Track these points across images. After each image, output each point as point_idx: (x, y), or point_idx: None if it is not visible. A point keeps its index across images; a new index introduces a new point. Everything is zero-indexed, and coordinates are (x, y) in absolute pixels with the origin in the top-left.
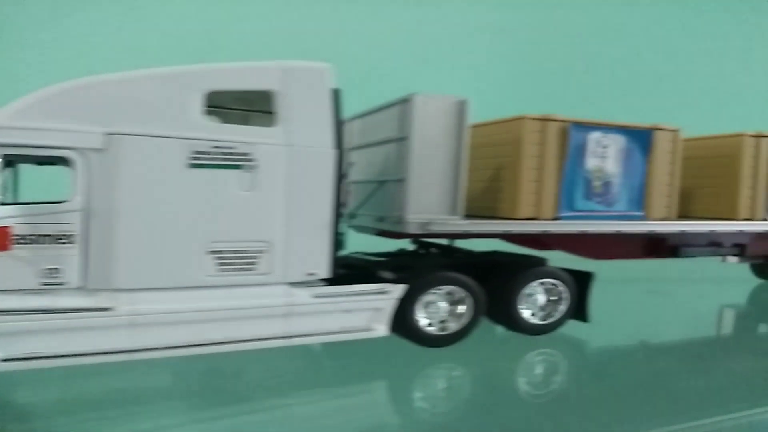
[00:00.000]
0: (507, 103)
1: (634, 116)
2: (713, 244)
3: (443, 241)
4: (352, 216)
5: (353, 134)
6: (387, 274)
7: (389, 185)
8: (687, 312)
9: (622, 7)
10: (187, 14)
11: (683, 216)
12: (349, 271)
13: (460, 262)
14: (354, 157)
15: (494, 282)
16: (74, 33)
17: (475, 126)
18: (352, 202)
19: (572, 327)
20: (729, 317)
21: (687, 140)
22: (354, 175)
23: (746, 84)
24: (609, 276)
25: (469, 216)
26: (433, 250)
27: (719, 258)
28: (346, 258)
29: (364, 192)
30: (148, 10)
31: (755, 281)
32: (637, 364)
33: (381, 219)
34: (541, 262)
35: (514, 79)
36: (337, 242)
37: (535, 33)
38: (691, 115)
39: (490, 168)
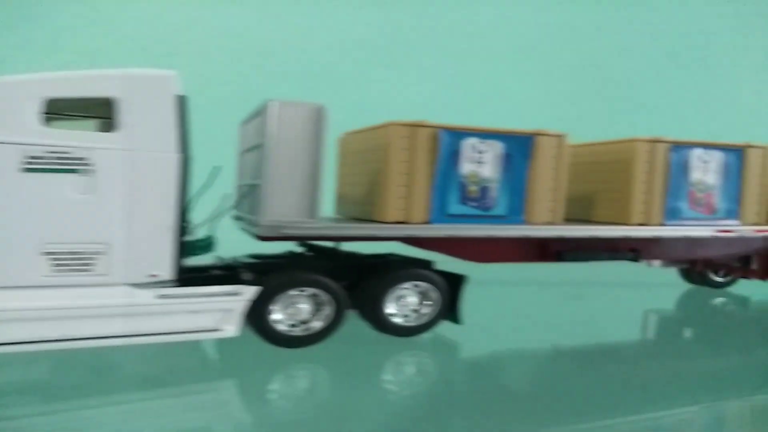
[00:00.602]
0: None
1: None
2: (604, 249)
3: (330, 244)
4: (238, 219)
5: (244, 138)
6: (245, 276)
7: (256, 189)
8: (601, 316)
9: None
10: (144, 17)
11: (583, 221)
12: (222, 272)
13: (334, 264)
14: (242, 161)
15: (366, 284)
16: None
17: (355, 132)
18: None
19: (466, 328)
20: (642, 321)
21: (585, 146)
22: (240, 179)
23: None
24: (533, 278)
25: (357, 220)
26: (307, 252)
27: (645, 262)
28: (223, 260)
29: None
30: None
31: (685, 286)
32: (526, 368)
33: (249, 223)
34: (423, 264)
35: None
36: (185, 244)
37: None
38: None
39: (367, 173)
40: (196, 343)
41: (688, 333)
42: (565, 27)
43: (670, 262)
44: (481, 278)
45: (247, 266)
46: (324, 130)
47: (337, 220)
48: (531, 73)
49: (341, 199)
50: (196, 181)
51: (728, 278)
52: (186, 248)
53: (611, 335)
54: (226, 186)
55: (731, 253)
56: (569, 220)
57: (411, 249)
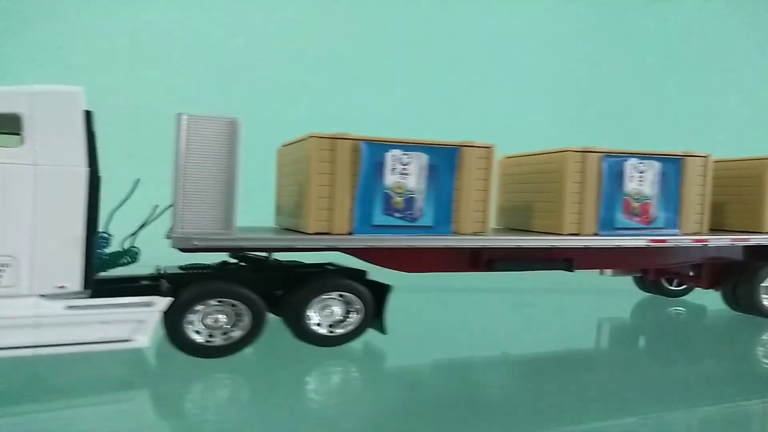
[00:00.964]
0: None
1: None
2: (536, 259)
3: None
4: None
5: None
6: (163, 287)
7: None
8: (552, 324)
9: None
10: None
11: (522, 230)
12: (149, 282)
13: (261, 274)
14: None
15: (290, 293)
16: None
17: (286, 144)
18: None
19: (404, 337)
20: (593, 329)
21: (522, 156)
22: None
23: None
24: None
25: (289, 231)
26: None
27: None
28: (159, 270)
29: None
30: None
31: (640, 294)
32: (467, 377)
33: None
34: (353, 274)
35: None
36: (107, 256)
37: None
38: None
39: (295, 185)
40: (118, 353)
41: (639, 341)
42: (545, 37)
43: (621, 270)
44: (423, 285)
45: (170, 277)
46: (237, 142)
47: (267, 231)
48: (518, 88)
49: (278, 210)
50: None
51: (683, 287)
52: (108, 259)
53: (562, 343)
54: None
55: (676, 263)
56: (511, 229)
57: (354, 260)
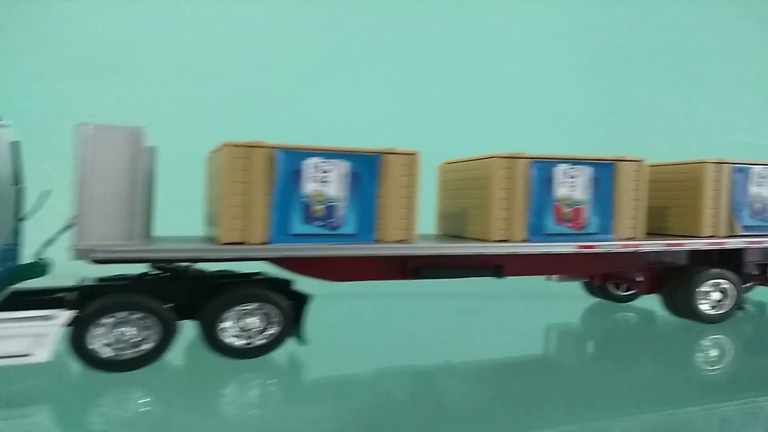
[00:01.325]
0: None
1: None
2: (465, 266)
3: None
4: None
5: None
6: (67, 299)
7: None
8: (499, 330)
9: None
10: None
11: (458, 237)
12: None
13: (177, 285)
14: None
15: (206, 304)
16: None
17: (211, 152)
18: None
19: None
20: (538, 335)
21: (457, 162)
22: None
23: None
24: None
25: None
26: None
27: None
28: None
29: None
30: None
31: (589, 300)
32: (405, 386)
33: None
34: (276, 284)
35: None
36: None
37: None
38: None
39: (216, 194)
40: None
41: (584, 346)
42: (536, 40)
43: (566, 276)
44: (366, 292)
45: (81, 289)
46: (141, 153)
47: (185, 241)
48: (506, 92)
49: (206, 220)
50: None
51: (631, 292)
52: (13, 273)
53: (506, 350)
54: None
55: (613, 269)
56: (450, 236)
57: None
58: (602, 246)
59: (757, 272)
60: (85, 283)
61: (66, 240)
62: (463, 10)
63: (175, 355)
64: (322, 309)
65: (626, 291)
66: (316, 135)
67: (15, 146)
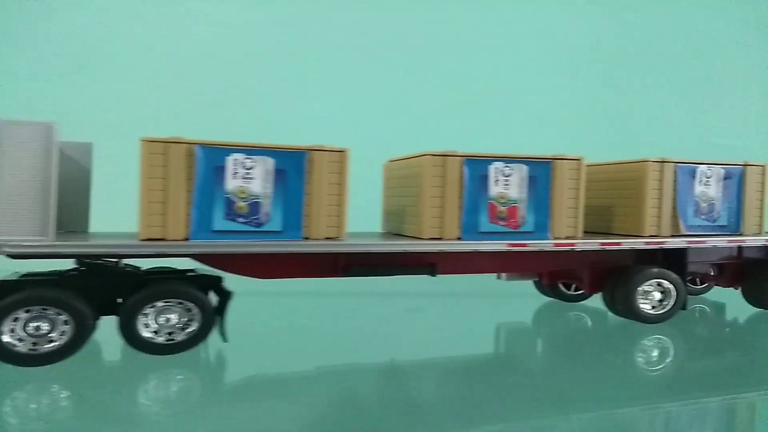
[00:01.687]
0: None
1: None
2: (397, 263)
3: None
4: None
5: None
6: None
7: None
8: (448, 329)
9: None
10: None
11: (399, 235)
12: None
13: (98, 281)
14: None
15: (127, 301)
16: None
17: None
18: None
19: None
20: (476, 334)
21: (397, 161)
22: None
23: None
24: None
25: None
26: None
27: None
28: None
29: None
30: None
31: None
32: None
33: None
34: (202, 281)
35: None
36: None
37: None
38: None
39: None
40: None
41: (532, 345)
42: (492, 40)
43: (516, 274)
44: (306, 290)
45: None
46: (53, 148)
47: (110, 238)
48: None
49: None
50: None
51: (580, 292)
52: None
53: (451, 349)
54: None
55: (553, 267)
56: (393, 234)
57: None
58: (534, 244)
59: (713, 272)
60: (6, 278)
61: None
62: (443, 10)
63: (97, 350)
64: (265, 307)
65: (575, 291)
66: (284, 134)
67: None
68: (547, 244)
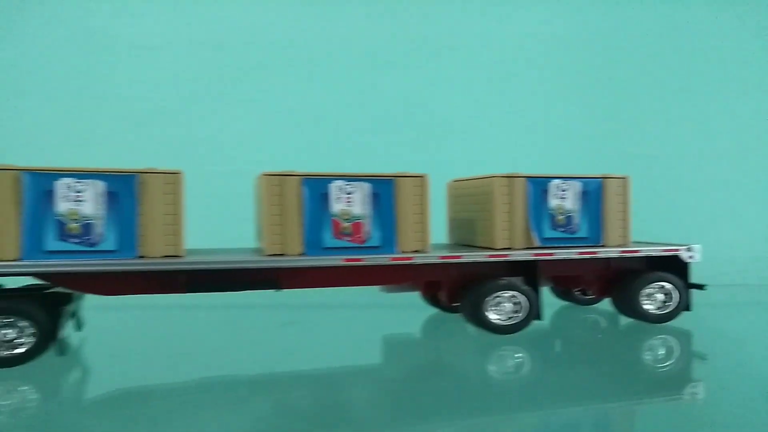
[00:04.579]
0: None
1: None
2: (240, 279)
3: None
4: None
5: None
6: None
7: None
8: (325, 341)
9: None
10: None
11: (252, 251)
12: None
13: None
14: None
15: None
16: None
17: None
18: None
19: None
20: (361, 345)
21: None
22: None
23: None
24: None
25: None
26: None
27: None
28: None
29: None
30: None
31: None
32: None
33: None
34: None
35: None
36: None
37: None
38: None
39: None
40: None
41: (420, 355)
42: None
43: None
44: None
45: None
46: None
47: None
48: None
49: None
50: None
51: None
52: None
53: (332, 360)
54: None
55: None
56: (252, 250)
57: None
58: (370, 259)
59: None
60: None
61: None
62: (426, 19)
63: None
64: (128, 321)
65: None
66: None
67: None
68: (383, 258)
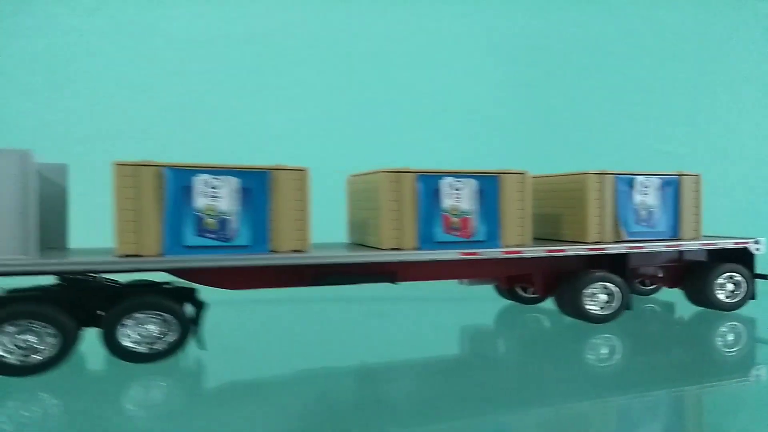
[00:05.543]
0: None
1: None
2: (360, 273)
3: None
4: None
5: None
6: None
7: None
8: (418, 332)
9: None
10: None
11: (362, 245)
12: None
13: (78, 295)
14: None
15: (108, 313)
16: None
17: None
18: None
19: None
20: (454, 336)
21: (362, 175)
22: None
23: None
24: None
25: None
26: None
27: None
28: None
29: None
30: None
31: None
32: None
33: None
34: (178, 292)
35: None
36: None
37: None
38: None
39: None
40: None
41: (495, 345)
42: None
43: (477, 280)
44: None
45: None
46: (30, 173)
47: (87, 254)
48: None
49: None
50: None
51: (535, 295)
52: None
53: (419, 351)
54: None
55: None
56: (357, 244)
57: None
58: (485, 253)
59: (660, 274)
60: None
61: None
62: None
63: (80, 360)
64: (230, 316)
65: (531, 294)
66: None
67: None
68: (496, 252)
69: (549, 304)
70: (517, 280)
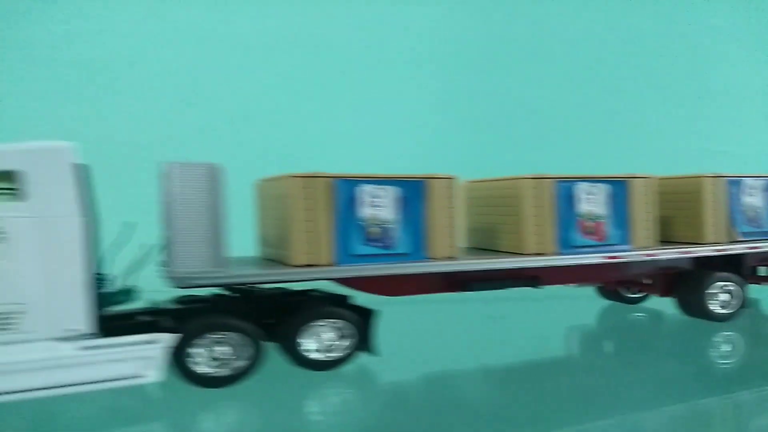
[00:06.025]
0: None
1: None
2: (504, 278)
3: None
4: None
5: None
6: (165, 323)
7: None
8: (528, 333)
9: None
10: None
11: (489, 250)
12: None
13: (254, 304)
14: None
15: (283, 322)
16: None
17: (267, 180)
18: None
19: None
20: (565, 337)
21: (482, 182)
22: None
23: None
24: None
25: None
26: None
27: None
28: (155, 304)
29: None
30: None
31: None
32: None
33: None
34: (338, 300)
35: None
36: (104, 296)
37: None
38: None
39: (278, 219)
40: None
41: (605, 345)
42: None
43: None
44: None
45: (169, 312)
46: (220, 186)
47: (253, 264)
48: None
49: (261, 242)
50: None
51: (640, 294)
52: (105, 299)
53: (536, 352)
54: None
55: (634, 274)
56: (479, 249)
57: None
58: (626, 256)
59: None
60: (172, 307)
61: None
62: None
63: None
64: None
65: (637, 294)
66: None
67: (81, 170)
68: (634, 255)
69: (650, 303)
70: (632, 281)
